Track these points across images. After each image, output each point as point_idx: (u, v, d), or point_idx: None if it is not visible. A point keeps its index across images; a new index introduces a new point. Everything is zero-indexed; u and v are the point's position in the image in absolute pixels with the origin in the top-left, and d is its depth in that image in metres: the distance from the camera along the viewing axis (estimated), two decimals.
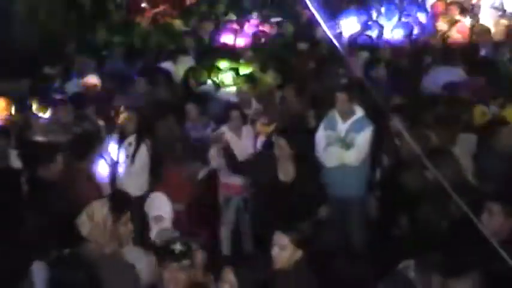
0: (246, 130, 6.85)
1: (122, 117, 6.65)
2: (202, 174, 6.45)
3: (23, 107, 7.29)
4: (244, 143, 6.75)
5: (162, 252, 4.05)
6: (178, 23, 11.39)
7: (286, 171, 5.76)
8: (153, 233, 5.02)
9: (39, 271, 3.90)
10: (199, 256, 4.31)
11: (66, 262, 3.79)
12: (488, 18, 10.43)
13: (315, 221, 5.58)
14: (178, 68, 8.89)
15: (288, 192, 5.62)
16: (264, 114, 7.18)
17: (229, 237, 6.87)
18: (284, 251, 4.19)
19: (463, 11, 10.75)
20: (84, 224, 3.96)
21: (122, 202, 4.13)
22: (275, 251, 4.21)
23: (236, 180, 6.68)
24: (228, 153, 6.35)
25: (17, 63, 9.11)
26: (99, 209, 3.97)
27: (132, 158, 6.50)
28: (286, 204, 5.48)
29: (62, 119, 6.87)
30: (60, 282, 3.71)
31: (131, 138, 6.57)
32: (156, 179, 6.29)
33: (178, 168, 5.77)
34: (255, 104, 7.53)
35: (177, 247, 3.96)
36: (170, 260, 3.94)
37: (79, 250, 3.96)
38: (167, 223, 5.23)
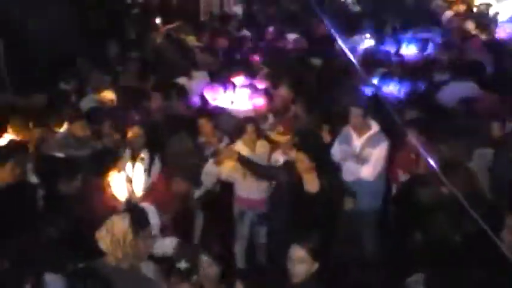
0: (261, 145, 6.84)
1: (131, 132, 6.66)
2: (198, 193, 6.40)
3: (39, 122, 7.34)
4: (258, 158, 6.73)
5: (168, 269, 4.04)
6: (191, 39, 11.45)
7: (311, 182, 5.74)
8: None
9: (52, 283, 3.90)
10: (213, 269, 4.31)
11: (83, 275, 3.79)
12: (504, 32, 10.43)
13: (330, 232, 5.54)
14: (193, 83, 8.93)
15: (313, 203, 5.59)
16: (279, 124, 7.16)
17: (243, 250, 6.86)
18: (302, 264, 4.16)
19: (479, 25, 10.75)
20: (103, 237, 3.97)
21: (142, 217, 4.13)
22: (292, 265, 4.18)
23: (251, 194, 6.69)
24: (245, 161, 6.24)
25: (32, 78, 9.17)
26: (120, 223, 3.98)
27: (148, 172, 6.53)
28: (310, 214, 5.44)
29: (79, 134, 6.90)
30: None
31: (144, 153, 6.61)
32: None
33: (170, 181, 5.78)
34: (271, 119, 7.53)
35: (183, 265, 3.95)
36: (177, 278, 3.92)
37: (97, 264, 3.97)
38: (155, 230, 5.23)
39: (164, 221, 5.38)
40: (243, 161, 6.08)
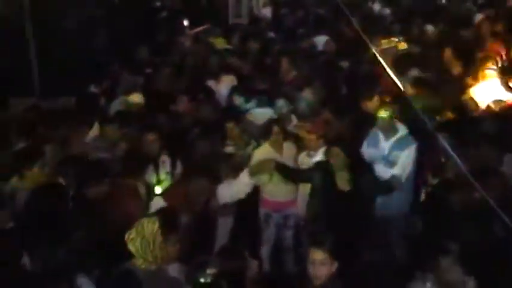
0: (287, 147, 6.82)
1: (146, 138, 6.66)
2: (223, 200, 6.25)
3: (68, 124, 7.42)
4: (285, 160, 6.71)
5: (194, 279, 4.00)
6: (221, 42, 11.46)
7: (343, 181, 5.69)
8: None
9: (84, 286, 3.93)
10: (254, 265, 4.30)
11: (114, 278, 3.81)
12: None
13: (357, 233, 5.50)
14: (221, 86, 8.94)
15: (345, 202, 5.54)
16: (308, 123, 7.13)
17: (269, 254, 6.84)
18: (323, 266, 4.12)
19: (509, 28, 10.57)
20: (132, 240, 3.98)
21: (171, 221, 4.13)
22: (313, 268, 4.13)
23: (277, 197, 6.67)
24: (283, 168, 6.19)
25: (63, 80, 9.29)
26: (149, 226, 3.99)
27: (171, 175, 6.57)
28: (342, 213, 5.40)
29: (108, 137, 6.94)
30: None
31: (164, 156, 6.63)
32: None
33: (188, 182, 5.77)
34: (295, 120, 7.51)
35: (209, 272, 3.91)
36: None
37: (127, 266, 3.97)
38: None
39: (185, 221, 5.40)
40: (281, 168, 6.13)
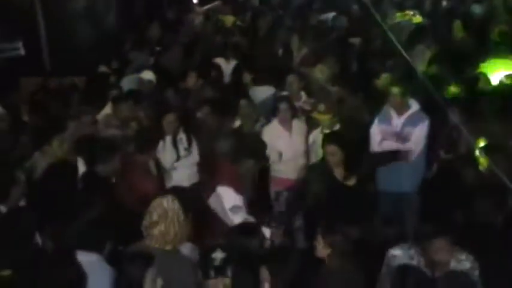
0: (297, 124, 6.79)
1: (165, 118, 6.66)
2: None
3: (82, 103, 7.44)
4: (294, 137, 6.71)
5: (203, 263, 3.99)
6: (231, 19, 11.42)
7: (341, 177, 5.66)
8: (234, 223, 5.03)
9: (92, 264, 3.93)
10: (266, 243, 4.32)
11: (129, 258, 3.81)
12: None
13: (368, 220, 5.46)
14: (230, 64, 8.93)
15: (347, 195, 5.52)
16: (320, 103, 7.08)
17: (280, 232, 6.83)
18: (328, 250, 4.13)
19: None
20: (150, 219, 3.96)
21: (189, 199, 4.11)
22: (319, 250, 4.14)
23: (287, 175, 6.64)
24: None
25: (73, 60, 9.29)
26: (169, 205, 3.96)
27: (188, 150, 6.59)
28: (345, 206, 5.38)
29: (120, 114, 6.95)
30: (124, 278, 3.75)
31: (181, 134, 6.65)
32: (206, 172, 6.29)
33: (233, 164, 5.74)
34: (304, 97, 7.47)
35: (218, 255, 3.90)
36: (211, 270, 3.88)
37: (141, 246, 3.98)
38: (244, 212, 5.23)
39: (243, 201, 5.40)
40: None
